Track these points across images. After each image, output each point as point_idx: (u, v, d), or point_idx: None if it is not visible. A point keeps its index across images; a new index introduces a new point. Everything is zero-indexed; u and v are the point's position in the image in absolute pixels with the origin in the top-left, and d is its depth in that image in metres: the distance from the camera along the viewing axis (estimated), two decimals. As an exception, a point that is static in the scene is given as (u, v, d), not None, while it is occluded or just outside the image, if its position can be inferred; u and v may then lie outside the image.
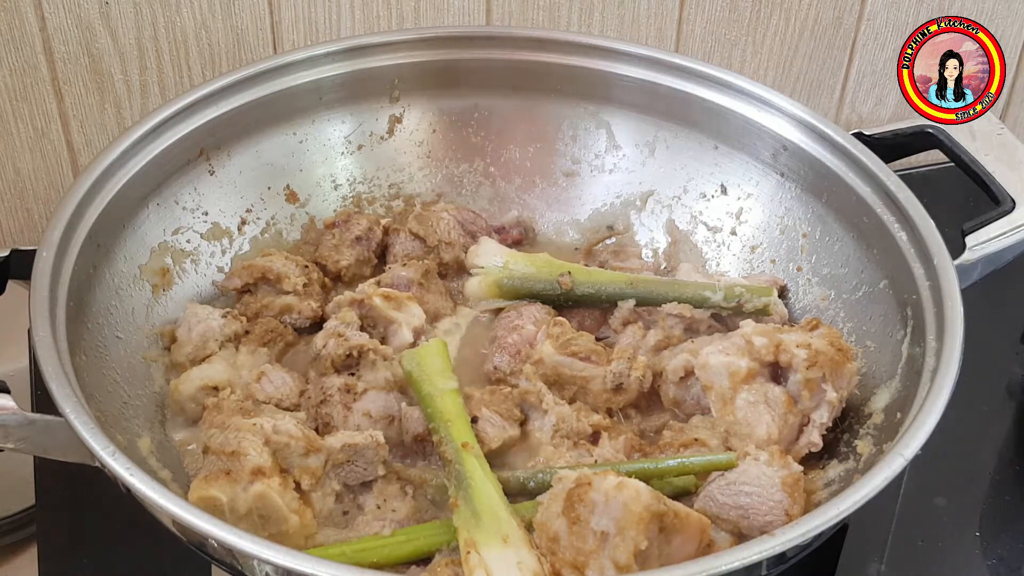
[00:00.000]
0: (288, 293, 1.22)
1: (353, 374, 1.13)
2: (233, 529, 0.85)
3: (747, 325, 1.13)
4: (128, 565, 1.13)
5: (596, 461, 1.06)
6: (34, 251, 1.06)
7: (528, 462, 1.09)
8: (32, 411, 0.97)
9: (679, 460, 1.05)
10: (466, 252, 1.30)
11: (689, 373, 1.12)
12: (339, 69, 1.32)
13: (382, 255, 1.32)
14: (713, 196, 1.33)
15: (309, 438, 1.02)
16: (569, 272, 1.24)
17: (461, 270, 1.30)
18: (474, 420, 1.08)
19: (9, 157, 1.43)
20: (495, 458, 1.08)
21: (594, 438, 1.09)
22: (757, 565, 0.85)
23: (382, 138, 1.37)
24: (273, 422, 1.02)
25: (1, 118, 1.39)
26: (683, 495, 1.03)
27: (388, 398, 1.11)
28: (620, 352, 1.15)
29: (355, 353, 1.13)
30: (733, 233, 1.32)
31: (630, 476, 0.95)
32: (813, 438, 1.07)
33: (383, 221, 1.32)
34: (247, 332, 1.19)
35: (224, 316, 1.18)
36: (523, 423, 1.12)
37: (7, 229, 1.48)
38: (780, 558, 0.88)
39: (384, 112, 1.37)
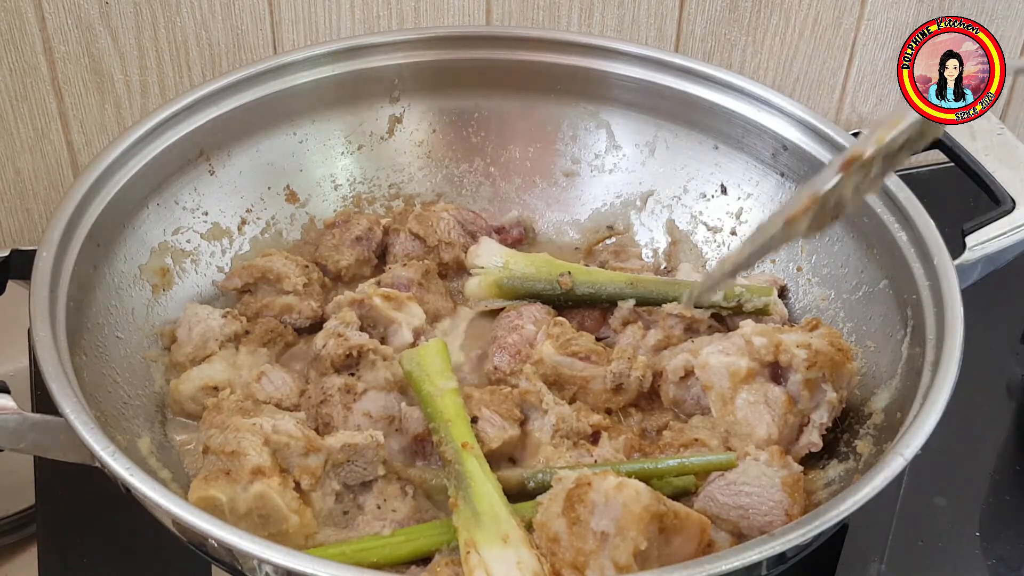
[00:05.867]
0: (288, 293, 1.22)
1: (353, 374, 1.13)
2: (233, 529, 0.85)
3: (747, 325, 1.13)
4: (128, 565, 1.13)
5: (596, 461, 1.06)
6: (34, 251, 1.06)
7: (528, 462, 1.09)
8: (32, 411, 0.97)
9: (679, 460, 1.05)
10: (466, 252, 1.30)
11: (689, 373, 1.12)
12: (339, 69, 1.32)
13: (382, 255, 1.32)
14: (713, 196, 1.34)
15: (309, 438, 1.02)
16: (569, 272, 1.24)
17: (461, 270, 1.30)
18: (474, 420, 1.08)
19: (9, 157, 1.43)
20: (495, 458, 1.08)
21: (594, 438, 1.09)
22: (757, 565, 0.85)
23: (382, 138, 1.37)
24: (273, 422, 1.02)
25: (1, 118, 1.39)
26: (683, 495, 1.03)
27: (388, 398, 1.11)
28: (620, 352, 1.15)
29: (355, 353, 1.13)
30: (733, 233, 1.32)
31: (630, 476, 0.95)
32: (813, 438, 1.07)
33: (383, 221, 1.32)
34: (247, 332, 1.19)
35: (224, 316, 1.18)
36: (523, 423, 1.12)
37: (7, 229, 1.48)
38: (780, 558, 0.88)
39: (384, 112, 1.37)
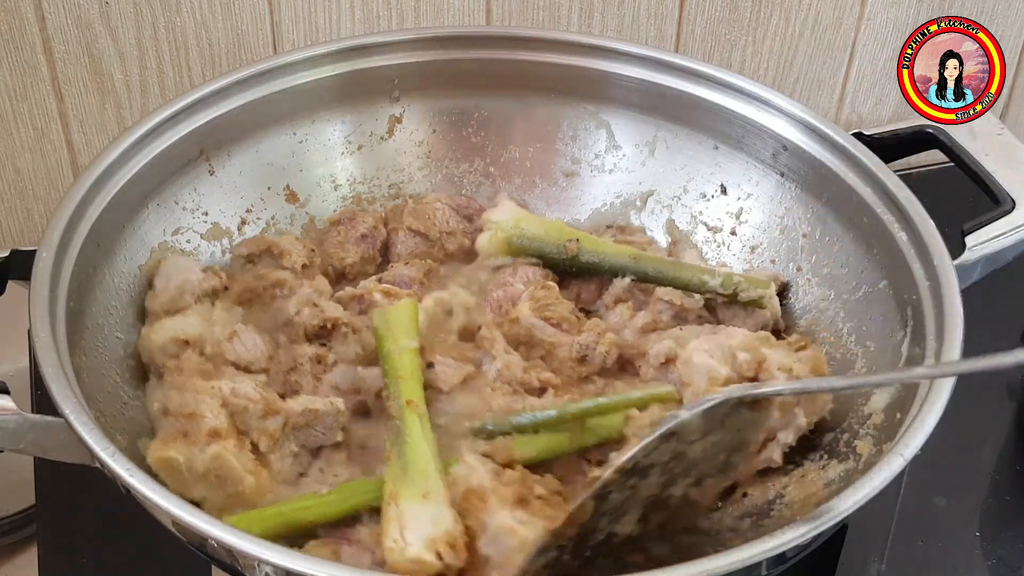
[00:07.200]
0: (286, 269, 1.22)
1: (324, 344, 1.13)
2: (233, 529, 0.85)
3: (736, 335, 1.12)
4: (128, 565, 1.13)
5: (524, 409, 1.06)
6: (34, 251, 1.05)
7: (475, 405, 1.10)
8: (32, 411, 0.97)
9: (614, 397, 1.05)
10: (468, 238, 1.30)
11: (671, 360, 1.12)
12: (339, 69, 1.32)
13: (386, 253, 1.32)
14: (713, 196, 1.34)
15: (267, 400, 1.03)
16: (577, 239, 1.24)
17: (467, 258, 1.30)
18: (430, 366, 1.09)
19: (9, 157, 1.43)
20: (449, 400, 1.09)
21: (540, 392, 1.10)
22: (757, 565, 0.86)
23: (382, 138, 1.37)
24: (232, 385, 1.03)
25: (1, 118, 1.39)
26: (608, 442, 1.04)
27: (357, 372, 1.12)
28: (592, 325, 1.16)
29: (329, 325, 1.13)
30: (733, 233, 1.32)
31: (548, 423, 1.00)
32: (775, 455, 1.06)
33: (383, 215, 1.32)
34: (226, 288, 1.19)
35: (204, 271, 1.18)
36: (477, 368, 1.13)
37: (7, 229, 1.48)
38: (780, 558, 0.88)
39: (384, 112, 1.37)
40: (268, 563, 0.84)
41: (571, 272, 1.25)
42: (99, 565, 1.13)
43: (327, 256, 1.28)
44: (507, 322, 1.16)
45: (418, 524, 0.92)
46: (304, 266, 1.23)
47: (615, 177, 1.38)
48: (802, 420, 1.06)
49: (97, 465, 0.91)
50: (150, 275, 1.18)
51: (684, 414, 0.90)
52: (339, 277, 1.29)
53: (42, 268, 1.04)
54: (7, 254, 1.15)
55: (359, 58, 1.33)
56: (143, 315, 1.17)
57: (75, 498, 1.16)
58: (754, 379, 1.07)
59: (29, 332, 1.01)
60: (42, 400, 1.00)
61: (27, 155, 1.43)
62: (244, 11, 1.41)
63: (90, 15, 1.36)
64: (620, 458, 0.89)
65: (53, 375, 0.95)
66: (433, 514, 0.93)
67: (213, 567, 0.96)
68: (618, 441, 1.03)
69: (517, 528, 0.91)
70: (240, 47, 1.43)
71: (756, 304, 1.19)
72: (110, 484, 0.91)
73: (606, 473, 0.89)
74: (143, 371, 1.15)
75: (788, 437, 1.06)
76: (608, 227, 1.36)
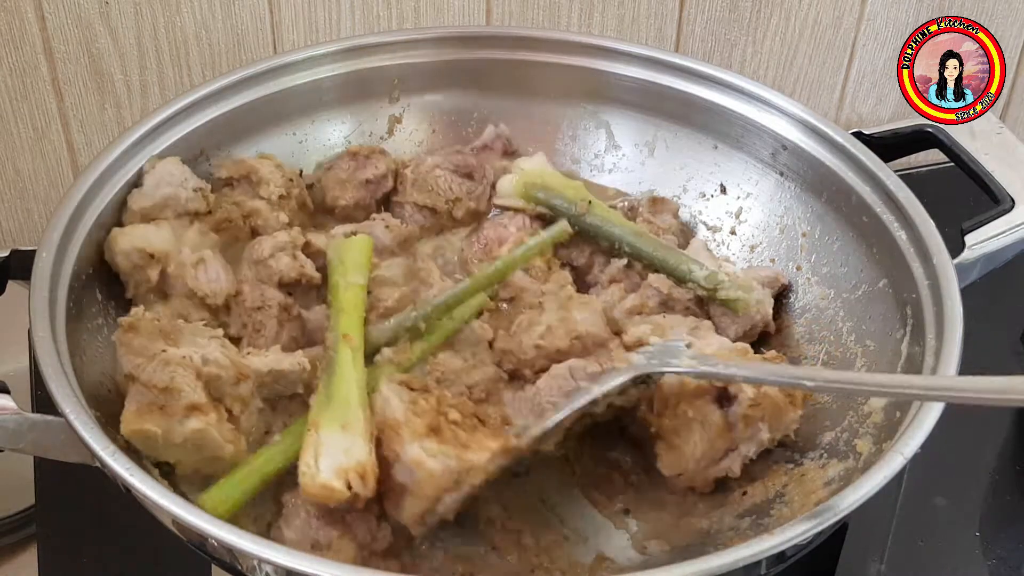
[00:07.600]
0: (262, 199, 1.21)
1: (291, 294, 1.14)
2: (233, 529, 0.85)
3: (714, 343, 1.11)
4: (128, 565, 1.13)
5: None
6: (34, 251, 1.06)
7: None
8: (32, 411, 0.97)
9: (520, 249, 1.17)
10: (474, 200, 1.30)
11: (642, 343, 1.11)
12: (339, 69, 1.32)
13: (383, 204, 1.31)
14: (713, 196, 1.34)
15: (238, 365, 1.02)
16: (590, 201, 1.25)
17: (475, 221, 1.31)
18: (369, 293, 1.12)
19: (9, 157, 1.43)
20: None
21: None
22: (757, 564, 0.86)
23: (382, 138, 1.37)
24: (201, 353, 1.01)
25: (1, 118, 1.40)
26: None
27: (309, 318, 1.13)
28: (557, 279, 1.19)
29: (304, 281, 1.14)
30: (733, 233, 1.32)
31: (474, 285, 1.11)
32: (734, 466, 1.06)
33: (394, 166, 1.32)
34: (209, 212, 1.18)
35: (195, 191, 1.17)
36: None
37: (7, 229, 1.48)
38: (779, 557, 0.88)
39: (384, 112, 1.37)
40: (268, 562, 0.84)
41: (574, 231, 1.26)
42: (99, 565, 1.13)
43: (324, 188, 1.28)
44: (489, 259, 1.21)
45: (332, 453, 0.94)
46: (281, 196, 1.22)
47: (615, 177, 1.38)
48: (765, 435, 1.05)
49: (97, 465, 0.91)
50: (142, 172, 1.17)
51: (596, 390, 0.99)
52: (324, 209, 1.29)
53: (42, 268, 1.04)
54: (7, 254, 1.15)
55: (359, 58, 1.33)
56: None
57: (75, 498, 1.16)
58: (723, 389, 1.06)
59: (29, 332, 1.01)
60: (42, 400, 1.00)
61: (27, 155, 1.43)
62: (244, 11, 1.41)
63: (90, 15, 1.36)
64: (537, 427, 0.98)
65: (53, 375, 0.95)
66: (348, 445, 0.94)
67: (213, 567, 0.96)
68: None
69: (425, 461, 0.93)
70: (240, 47, 1.43)
71: (728, 305, 1.18)
72: (110, 484, 0.91)
73: (523, 442, 0.97)
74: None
75: (749, 450, 1.06)
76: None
